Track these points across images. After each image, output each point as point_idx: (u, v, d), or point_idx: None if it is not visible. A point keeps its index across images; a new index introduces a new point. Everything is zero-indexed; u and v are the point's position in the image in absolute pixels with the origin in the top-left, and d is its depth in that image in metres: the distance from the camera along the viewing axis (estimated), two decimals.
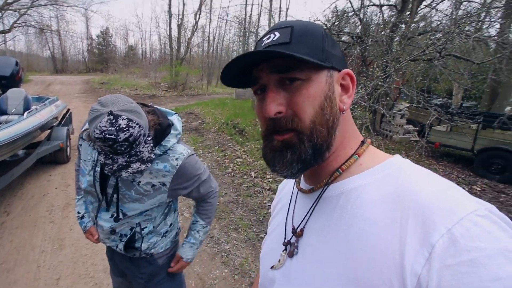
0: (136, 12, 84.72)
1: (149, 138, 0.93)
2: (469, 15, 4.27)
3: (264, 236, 2.73)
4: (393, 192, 0.38)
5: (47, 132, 4.53)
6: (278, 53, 0.39)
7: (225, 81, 0.47)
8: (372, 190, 0.40)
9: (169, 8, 16.56)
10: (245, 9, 16.48)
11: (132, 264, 1.19)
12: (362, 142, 0.48)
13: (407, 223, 0.34)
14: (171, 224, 1.21)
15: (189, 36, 18.72)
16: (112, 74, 23.42)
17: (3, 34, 19.55)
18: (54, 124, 4.79)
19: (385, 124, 7.61)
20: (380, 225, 0.37)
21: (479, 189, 4.63)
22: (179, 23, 17.51)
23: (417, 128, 7.79)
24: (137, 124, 0.85)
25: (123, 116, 0.83)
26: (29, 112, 3.80)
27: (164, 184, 1.03)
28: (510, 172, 4.90)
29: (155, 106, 1.09)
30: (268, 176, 4.37)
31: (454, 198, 0.34)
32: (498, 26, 5.91)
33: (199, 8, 17.79)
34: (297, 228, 0.49)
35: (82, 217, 1.25)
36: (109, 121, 0.81)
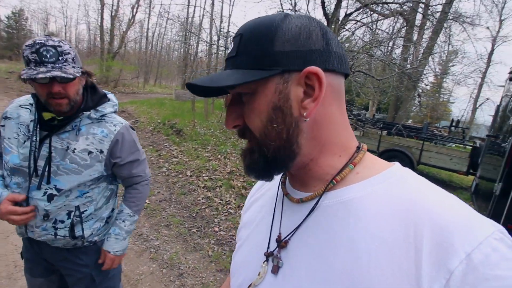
0: None
1: (78, 68, 0.97)
2: (375, 40, 5.24)
3: (197, 231, 2.84)
4: (399, 205, 0.35)
5: None
6: (201, 88, 0.40)
7: (196, 93, 0.46)
8: (374, 202, 0.37)
9: None
10: (187, 10, 16.19)
11: (72, 254, 1.12)
12: (358, 148, 0.43)
13: (422, 243, 0.31)
14: (113, 209, 1.20)
15: (124, 29, 17.40)
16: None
17: None
18: None
19: None
20: (390, 244, 0.33)
21: None
22: (113, 14, 16.17)
23: None
24: (69, 45, 0.94)
25: (58, 39, 0.93)
26: None
27: (101, 152, 1.04)
28: None
29: None
30: (203, 175, 4.47)
31: (469, 217, 0.32)
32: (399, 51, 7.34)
33: (137, 1, 16.74)
34: (283, 239, 0.44)
35: None
36: (44, 36, 0.91)
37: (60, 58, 0.91)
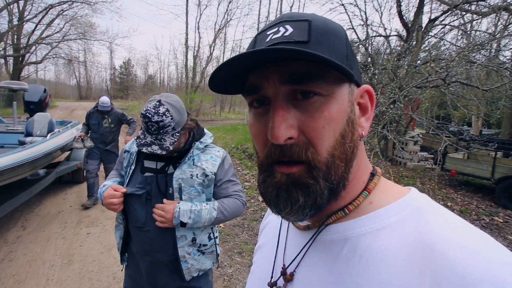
0: (156, 45, 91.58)
1: (176, 134, 1.10)
2: (473, 44, 4.38)
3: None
4: (413, 246, 0.30)
5: (68, 153, 4.79)
6: (307, 54, 0.28)
7: (214, 87, 0.36)
8: (387, 240, 0.32)
9: (186, 41, 17.73)
10: None
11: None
12: (372, 174, 0.38)
13: None
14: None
15: (204, 66, 19.74)
16: (131, 101, 24.74)
17: (35, 65, 21.56)
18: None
19: (398, 151, 7.50)
20: None
21: (502, 221, 4.37)
22: (195, 54, 18.59)
23: (432, 155, 7.61)
24: (171, 116, 1.06)
25: (165, 106, 1.06)
26: (52, 134, 4.07)
27: (214, 174, 1.20)
28: None
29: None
30: None
31: (498, 264, 0.27)
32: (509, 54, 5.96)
33: (214, 41, 18.92)
34: (286, 269, 0.40)
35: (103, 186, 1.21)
36: (154, 105, 1.05)
37: (161, 131, 1.07)
